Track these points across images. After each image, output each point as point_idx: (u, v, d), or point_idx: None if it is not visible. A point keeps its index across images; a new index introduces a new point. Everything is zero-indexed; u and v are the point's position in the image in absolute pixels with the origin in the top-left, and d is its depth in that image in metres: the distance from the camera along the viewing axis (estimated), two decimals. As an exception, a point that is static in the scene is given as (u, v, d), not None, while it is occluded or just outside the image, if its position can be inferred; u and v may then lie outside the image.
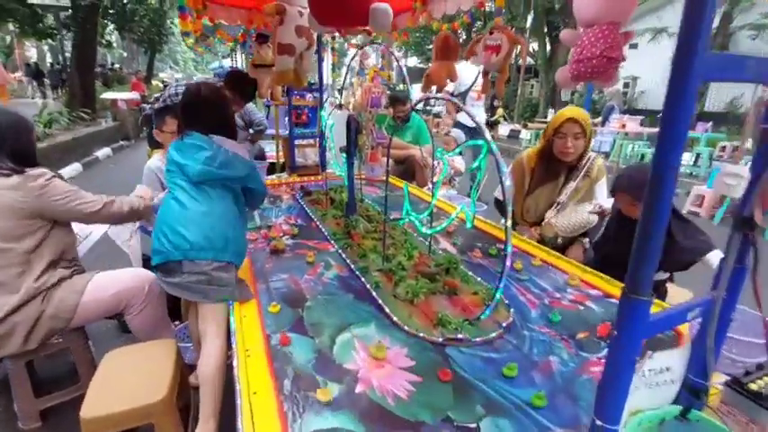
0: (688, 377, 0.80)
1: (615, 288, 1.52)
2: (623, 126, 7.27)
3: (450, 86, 4.11)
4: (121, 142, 8.88)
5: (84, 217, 1.67)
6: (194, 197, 1.46)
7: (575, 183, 2.00)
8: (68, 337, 1.64)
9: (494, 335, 1.24)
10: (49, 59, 20.16)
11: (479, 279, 1.55)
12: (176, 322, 1.97)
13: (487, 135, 1.11)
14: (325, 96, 3.42)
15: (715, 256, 1.61)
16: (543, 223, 2.05)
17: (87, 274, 1.71)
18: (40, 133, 6.36)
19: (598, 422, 0.65)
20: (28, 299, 1.51)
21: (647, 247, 0.58)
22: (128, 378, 1.38)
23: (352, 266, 1.66)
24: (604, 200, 2.11)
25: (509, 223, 1.09)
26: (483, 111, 4.49)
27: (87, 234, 2.06)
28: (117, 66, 21.86)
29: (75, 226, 2.05)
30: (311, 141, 3.44)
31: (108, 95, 10.14)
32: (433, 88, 2.13)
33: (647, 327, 0.60)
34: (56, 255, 1.63)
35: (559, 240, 2.03)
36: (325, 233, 2.02)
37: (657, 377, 0.76)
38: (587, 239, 2.03)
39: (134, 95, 10.61)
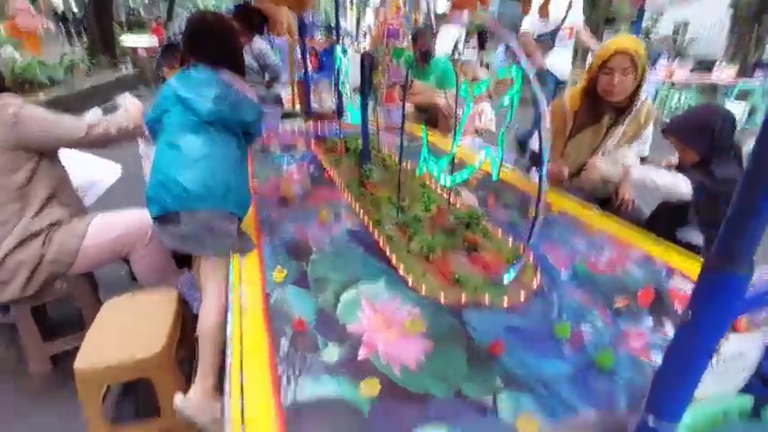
0: (765, 366, 0.64)
1: (662, 250, 1.34)
2: (671, 74, 6.59)
3: (529, 23, 3.61)
4: (141, 89, 8.80)
5: (69, 144, 1.58)
6: (195, 138, 1.31)
7: (622, 127, 1.76)
8: (72, 282, 1.61)
9: (518, 299, 1.10)
10: (74, 8, 19.96)
11: (504, 236, 1.39)
12: (185, 269, 1.92)
13: (525, 64, 0.91)
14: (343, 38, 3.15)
15: None
16: (585, 168, 1.83)
17: (87, 216, 1.65)
18: (60, 79, 6.31)
19: (652, 419, 0.51)
20: (26, 238, 1.47)
21: (753, 205, 0.40)
22: (125, 329, 1.34)
23: (365, 218, 1.53)
24: (647, 148, 1.89)
25: (544, 171, 0.91)
26: (569, 53, 3.86)
27: (97, 181, 1.98)
28: (138, 10, 21.43)
29: (84, 174, 1.98)
30: (327, 85, 3.22)
31: (127, 41, 9.95)
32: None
33: (739, 306, 0.44)
34: (50, 189, 1.56)
35: (608, 185, 1.83)
36: (338, 182, 1.88)
37: (728, 365, 0.61)
38: None
39: (153, 41, 10.37)
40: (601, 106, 1.78)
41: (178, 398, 1.27)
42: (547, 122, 0.86)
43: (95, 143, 1.63)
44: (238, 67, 1.44)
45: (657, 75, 6.83)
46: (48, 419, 1.51)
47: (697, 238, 1.66)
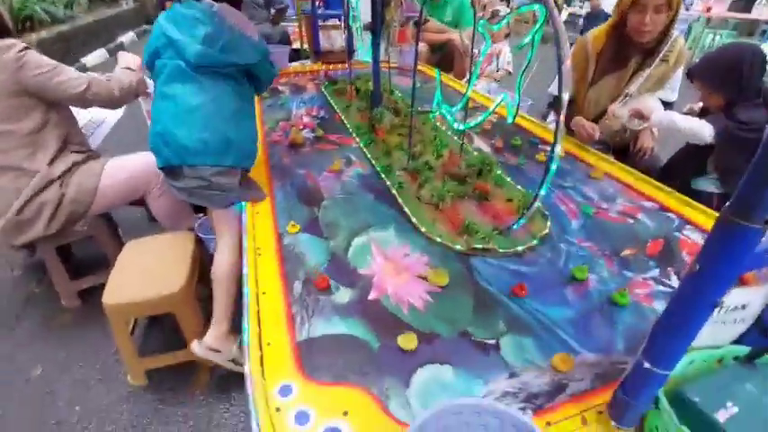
0: (765, 317, 0.66)
1: (675, 201, 1.32)
2: (708, 9, 6.07)
3: None
4: (145, 26, 8.45)
5: (69, 99, 1.55)
6: (186, 88, 1.23)
7: (648, 70, 1.65)
8: (93, 223, 1.67)
9: (526, 247, 1.11)
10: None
11: (516, 184, 1.38)
12: (201, 215, 1.97)
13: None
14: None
15: None
16: (605, 117, 1.75)
17: (102, 158, 1.69)
18: (61, 15, 6.07)
19: (646, 364, 0.54)
20: (46, 184, 1.50)
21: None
22: (146, 268, 1.40)
23: (375, 164, 1.52)
24: (674, 92, 1.78)
25: (562, 117, 0.88)
26: None
27: (101, 120, 1.98)
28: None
29: (87, 113, 1.97)
30: (336, 22, 3.05)
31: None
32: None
33: (750, 261, 0.44)
34: (61, 138, 1.58)
35: (627, 134, 1.77)
36: (349, 127, 1.85)
37: (728, 315, 0.62)
38: (656, 128, 1.76)
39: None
40: (627, 48, 1.66)
41: (194, 343, 1.35)
42: (567, 65, 0.82)
43: (96, 102, 1.60)
44: (234, 0, 1.33)
45: (693, 9, 6.29)
46: (82, 349, 1.64)
47: (712, 187, 1.61)
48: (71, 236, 1.66)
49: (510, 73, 3.15)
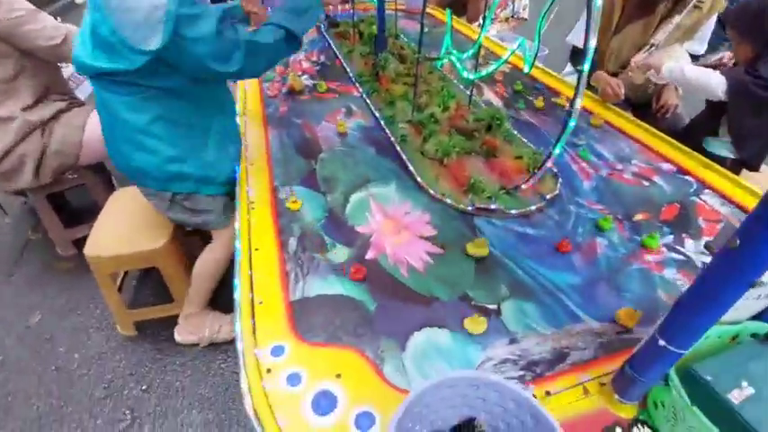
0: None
1: (695, 163, 1.24)
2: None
3: None
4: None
5: (40, 50, 1.43)
6: (100, 99, 1.05)
7: (678, 17, 1.50)
8: (83, 173, 1.62)
9: (533, 208, 1.05)
10: None
11: (526, 141, 1.30)
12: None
13: None
14: None
15: None
16: (629, 69, 1.61)
17: (86, 108, 1.59)
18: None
19: (661, 342, 0.50)
20: (25, 133, 1.44)
21: None
22: (132, 220, 1.35)
23: (377, 115, 1.42)
24: (703, 43, 1.63)
25: (587, 67, 0.78)
26: None
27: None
28: None
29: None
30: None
31: None
32: None
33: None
34: (41, 87, 1.49)
35: (650, 89, 1.64)
36: (350, 74, 1.73)
37: (752, 292, 0.58)
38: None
39: None
40: None
41: (175, 332, 1.39)
42: (599, 2, 0.71)
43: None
44: None
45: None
46: (79, 297, 1.64)
47: (725, 151, 1.49)
48: (62, 184, 1.61)
49: (526, 20, 2.93)
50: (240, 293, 0.81)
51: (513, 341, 0.76)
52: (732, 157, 1.49)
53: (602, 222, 1.00)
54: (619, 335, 0.78)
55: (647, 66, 1.50)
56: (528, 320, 0.80)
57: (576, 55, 1.88)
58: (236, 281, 0.84)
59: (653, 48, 1.57)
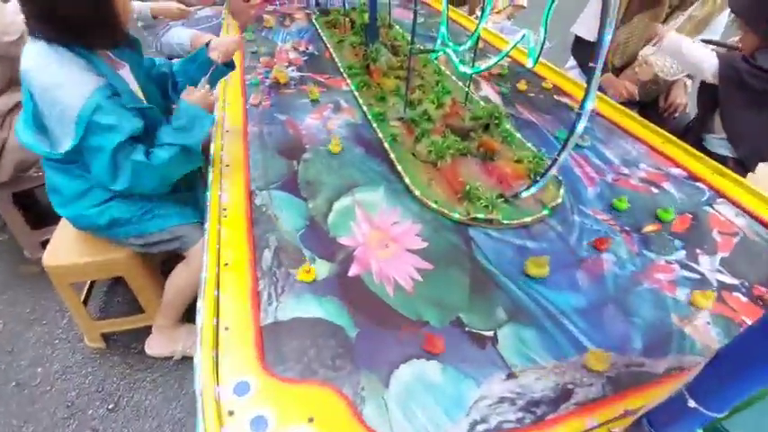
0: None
1: (707, 169, 1.15)
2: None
3: None
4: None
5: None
6: None
7: (690, 10, 1.41)
8: (48, 170, 1.49)
9: (534, 218, 0.96)
10: None
11: (527, 142, 1.20)
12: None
13: None
14: None
15: None
16: (636, 64, 1.52)
17: None
18: None
19: (692, 403, 0.41)
20: None
21: None
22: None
23: (366, 111, 1.32)
24: (716, 37, 1.53)
25: (599, 66, 0.69)
26: None
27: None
28: None
29: None
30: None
31: None
32: None
33: None
34: (3, 78, 1.39)
35: (659, 85, 1.56)
36: (339, 66, 1.62)
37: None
38: (690, 80, 1.54)
39: None
40: None
41: (146, 344, 1.32)
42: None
43: None
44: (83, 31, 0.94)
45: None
46: (47, 304, 1.54)
47: (724, 150, 1.41)
48: (27, 183, 1.50)
49: (524, 7, 2.80)
50: (203, 318, 0.71)
51: (510, 376, 0.67)
52: (731, 155, 1.41)
53: (662, 213, 0.97)
54: (628, 368, 0.69)
55: (653, 35, 1.42)
56: (527, 350, 0.71)
57: (580, 45, 1.77)
58: (200, 303, 0.74)
59: (659, 42, 1.48)
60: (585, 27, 1.69)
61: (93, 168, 1.00)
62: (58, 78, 0.92)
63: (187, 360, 1.33)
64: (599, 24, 0.64)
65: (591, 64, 0.67)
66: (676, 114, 1.57)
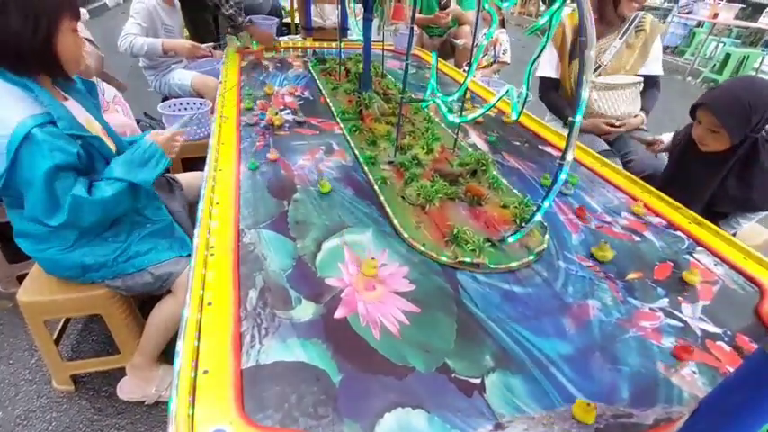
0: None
1: (685, 219, 1.19)
2: (715, 15, 5.94)
3: None
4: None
5: None
6: None
7: (618, 40, 1.62)
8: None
9: (520, 263, 0.97)
10: None
11: (513, 189, 1.24)
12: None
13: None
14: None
15: None
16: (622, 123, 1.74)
17: None
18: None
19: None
20: None
21: None
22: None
23: (358, 154, 1.36)
24: (659, 66, 1.73)
25: (579, 118, 0.73)
26: None
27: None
28: None
29: None
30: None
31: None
32: None
33: None
34: None
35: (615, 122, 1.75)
36: (333, 110, 1.67)
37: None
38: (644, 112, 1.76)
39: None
40: (603, 19, 1.70)
41: (118, 388, 1.27)
42: (592, 52, 0.67)
43: None
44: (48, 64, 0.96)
45: (699, 15, 6.17)
46: (15, 343, 1.46)
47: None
48: (4, 215, 1.46)
49: (508, 63, 2.98)
50: (182, 361, 0.69)
51: (498, 426, 0.65)
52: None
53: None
54: (616, 419, 0.68)
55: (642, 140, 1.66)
56: (515, 399, 0.69)
57: (542, 84, 1.99)
58: (180, 345, 0.72)
59: (600, 68, 1.74)
60: (542, 68, 1.92)
61: (27, 202, 0.94)
62: None
63: (159, 405, 1.26)
64: (577, 83, 0.69)
65: (570, 118, 0.71)
66: (656, 150, 1.66)
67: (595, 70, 1.72)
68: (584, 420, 0.66)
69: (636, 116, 1.78)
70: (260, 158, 1.32)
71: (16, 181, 0.93)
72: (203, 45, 2.39)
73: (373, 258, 0.91)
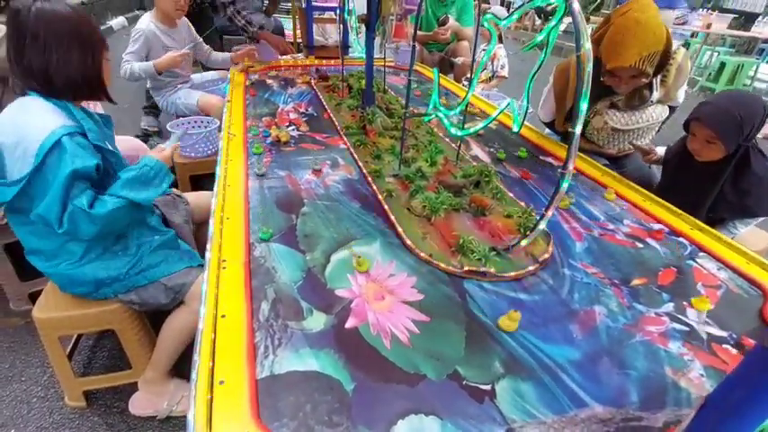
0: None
1: (687, 225, 1.21)
2: (708, 26, 6.05)
3: None
4: (137, 11, 8.22)
5: None
6: None
7: (652, 97, 1.59)
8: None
9: (526, 271, 0.99)
10: None
11: (516, 198, 1.26)
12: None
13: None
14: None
15: None
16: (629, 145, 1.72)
17: None
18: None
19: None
20: None
21: None
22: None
23: (363, 167, 1.39)
24: (682, 93, 1.68)
25: (578, 129, 0.76)
26: None
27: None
28: None
29: None
30: (333, 15, 2.91)
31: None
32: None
33: None
34: None
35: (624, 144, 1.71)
36: (338, 126, 1.71)
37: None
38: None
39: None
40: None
41: (130, 403, 1.28)
42: (588, 67, 0.70)
43: None
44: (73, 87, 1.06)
45: (693, 25, 6.28)
46: (28, 360, 1.47)
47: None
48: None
49: (506, 77, 3.04)
50: (199, 372, 0.71)
51: (509, 431, 0.66)
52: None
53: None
54: (627, 421, 0.69)
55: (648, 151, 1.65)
56: (526, 405, 0.71)
57: (548, 125, 1.94)
58: (196, 356, 0.74)
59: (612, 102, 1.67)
60: (544, 113, 1.87)
61: (42, 204, 0.98)
62: (28, 116, 1.00)
63: (171, 420, 1.27)
64: (575, 95, 0.72)
65: (570, 129, 0.74)
66: (651, 160, 1.68)
67: (651, 163, 1.71)
68: (508, 329, 0.74)
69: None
70: (267, 174, 1.35)
71: (35, 185, 0.99)
72: (183, 50, 2.37)
73: (359, 257, 0.95)
